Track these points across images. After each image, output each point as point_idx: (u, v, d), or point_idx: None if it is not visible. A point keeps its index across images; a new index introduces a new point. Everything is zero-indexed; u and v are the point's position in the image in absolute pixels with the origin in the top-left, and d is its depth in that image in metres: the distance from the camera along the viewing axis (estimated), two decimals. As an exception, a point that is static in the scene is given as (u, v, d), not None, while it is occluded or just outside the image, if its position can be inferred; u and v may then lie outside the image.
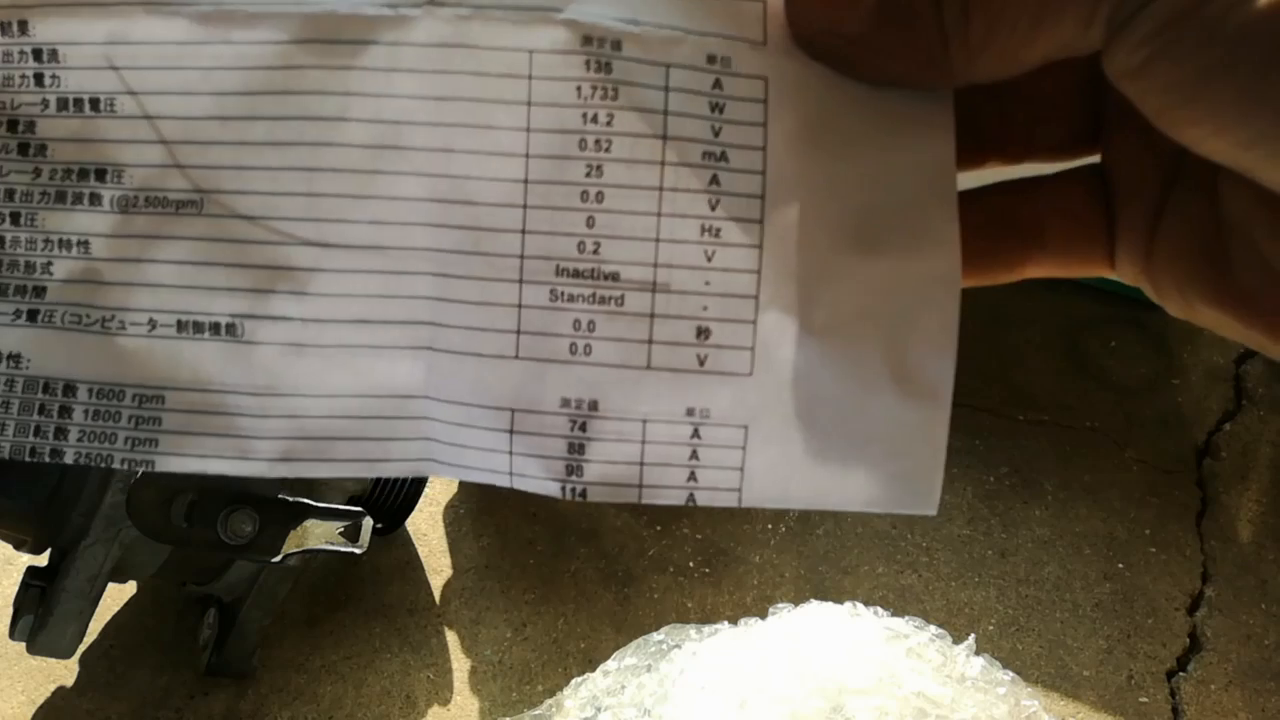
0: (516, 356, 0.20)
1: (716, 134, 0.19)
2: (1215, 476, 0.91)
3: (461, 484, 0.90)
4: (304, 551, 0.68)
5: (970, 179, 0.21)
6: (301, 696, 0.77)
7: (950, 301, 0.19)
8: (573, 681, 0.71)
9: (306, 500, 0.69)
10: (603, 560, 0.85)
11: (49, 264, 0.20)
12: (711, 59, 0.19)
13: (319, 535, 0.69)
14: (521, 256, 0.20)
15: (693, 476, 0.20)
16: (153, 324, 0.20)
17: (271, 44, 0.19)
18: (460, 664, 0.79)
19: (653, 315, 0.20)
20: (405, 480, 0.80)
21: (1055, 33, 0.16)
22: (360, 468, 0.21)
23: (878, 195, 0.19)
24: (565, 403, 0.20)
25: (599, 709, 0.66)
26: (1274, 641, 0.81)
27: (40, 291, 0.20)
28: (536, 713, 0.70)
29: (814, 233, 0.20)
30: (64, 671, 0.77)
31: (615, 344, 0.20)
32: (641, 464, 0.20)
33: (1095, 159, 0.21)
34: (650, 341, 0.20)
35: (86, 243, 0.20)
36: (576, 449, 0.20)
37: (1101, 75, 0.17)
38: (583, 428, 0.20)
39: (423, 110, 0.19)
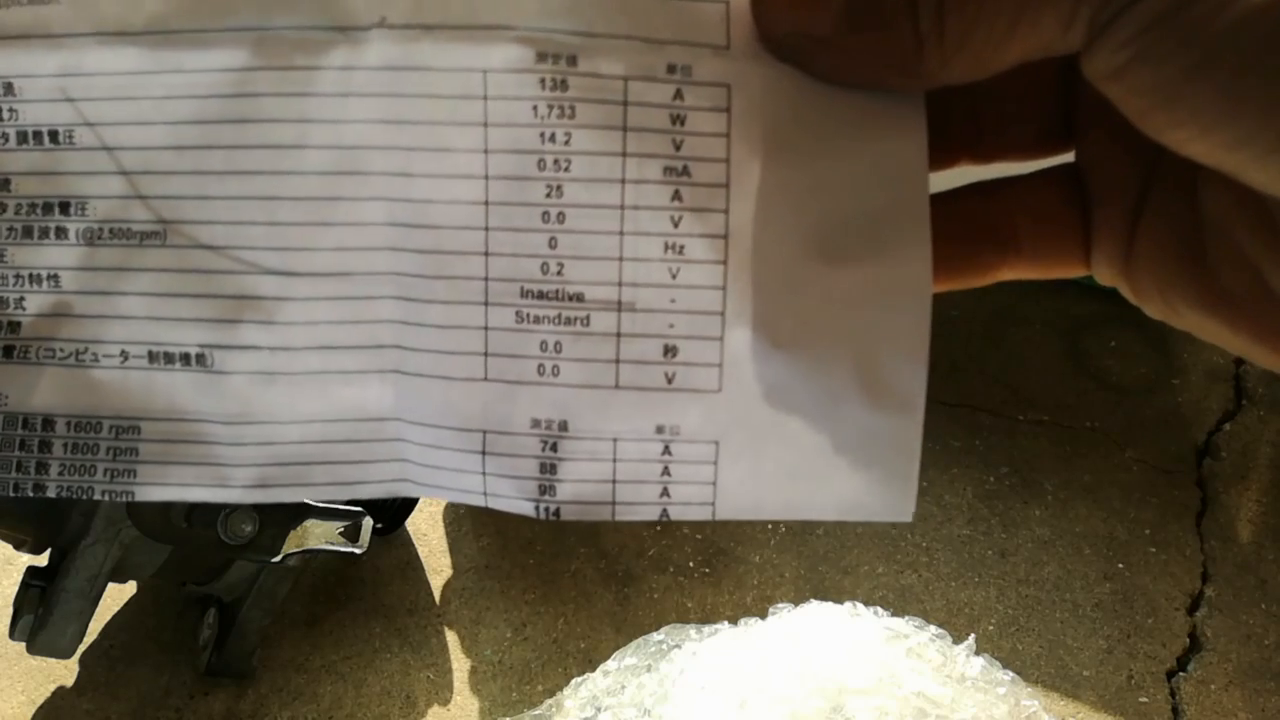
0: (485, 379, 0.20)
1: (678, 147, 0.19)
2: (1215, 476, 0.91)
3: (461, 484, 0.90)
4: (304, 551, 0.68)
5: (941, 180, 0.20)
6: (301, 696, 0.77)
7: (921, 310, 0.19)
8: (573, 681, 0.71)
9: (306, 500, 0.69)
10: (603, 560, 0.85)
11: (21, 299, 0.20)
12: (671, 68, 0.19)
13: (319, 535, 0.69)
14: (486, 279, 0.20)
15: (665, 492, 0.20)
16: (125, 355, 0.20)
17: (224, 71, 0.19)
18: (460, 664, 0.79)
19: (619, 335, 0.20)
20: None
21: (1033, 35, 0.16)
22: (337, 490, 0.21)
23: (847, 202, 0.19)
24: (536, 423, 0.20)
25: (599, 709, 0.66)
26: (1274, 641, 0.81)
27: (14, 327, 0.20)
28: (536, 713, 0.70)
29: (780, 245, 0.19)
30: (64, 671, 0.77)
31: (583, 364, 0.20)
32: (614, 482, 0.20)
33: (1068, 158, 0.20)
34: (618, 361, 0.20)
35: (56, 276, 0.20)
36: (548, 469, 0.20)
37: (1073, 72, 0.16)
38: (554, 448, 0.20)
39: (379, 134, 0.19)
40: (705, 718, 0.62)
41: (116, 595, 0.81)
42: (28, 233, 0.20)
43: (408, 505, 0.82)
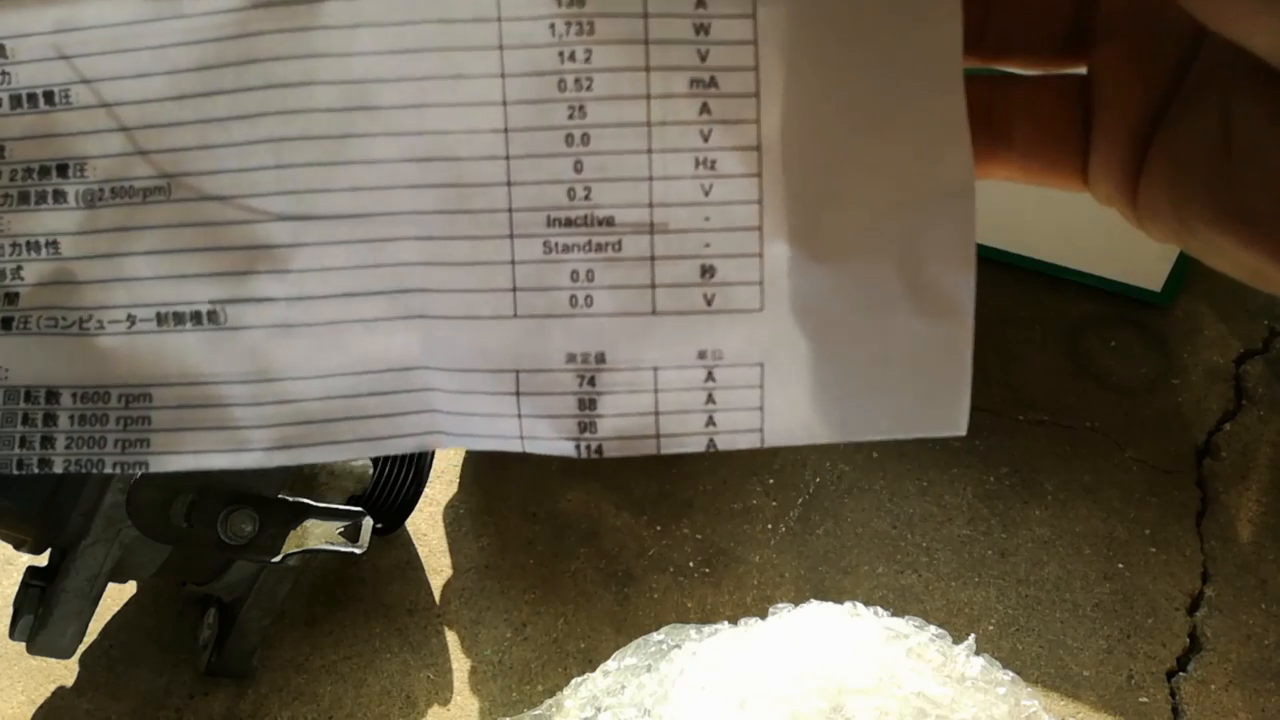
0: (515, 315, 0.19)
1: (704, 58, 0.18)
2: (1215, 476, 0.91)
3: (461, 484, 0.90)
4: (304, 551, 0.68)
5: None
6: (301, 696, 0.77)
7: (965, 209, 0.18)
8: (573, 681, 0.71)
9: (306, 500, 0.69)
10: (603, 560, 0.85)
11: (19, 269, 0.19)
12: None
13: (319, 535, 0.69)
14: (510, 210, 0.19)
15: (711, 421, 0.19)
16: (132, 320, 0.19)
17: (225, 13, 0.18)
18: (460, 664, 0.79)
19: (653, 258, 0.19)
20: (405, 480, 0.80)
21: None
22: (364, 448, 0.20)
23: (881, 100, 0.18)
24: (571, 358, 0.19)
25: (599, 709, 0.66)
26: (1274, 641, 0.81)
27: (12, 298, 0.20)
28: (536, 713, 0.70)
29: (816, 152, 0.19)
30: (64, 671, 0.77)
31: (617, 292, 0.19)
32: (657, 413, 0.19)
33: (1078, 70, 0.20)
34: (653, 286, 0.19)
35: (55, 243, 0.19)
36: (587, 404, 0.19)
37: None
38: (591, 382, 0.19)
39: (390, 66, 0.18)
40: (705, 718, 0.62)
41: (116, 595, 0.81)
42: (24, 199, 0.19)
43: (408, 505, 0.82)
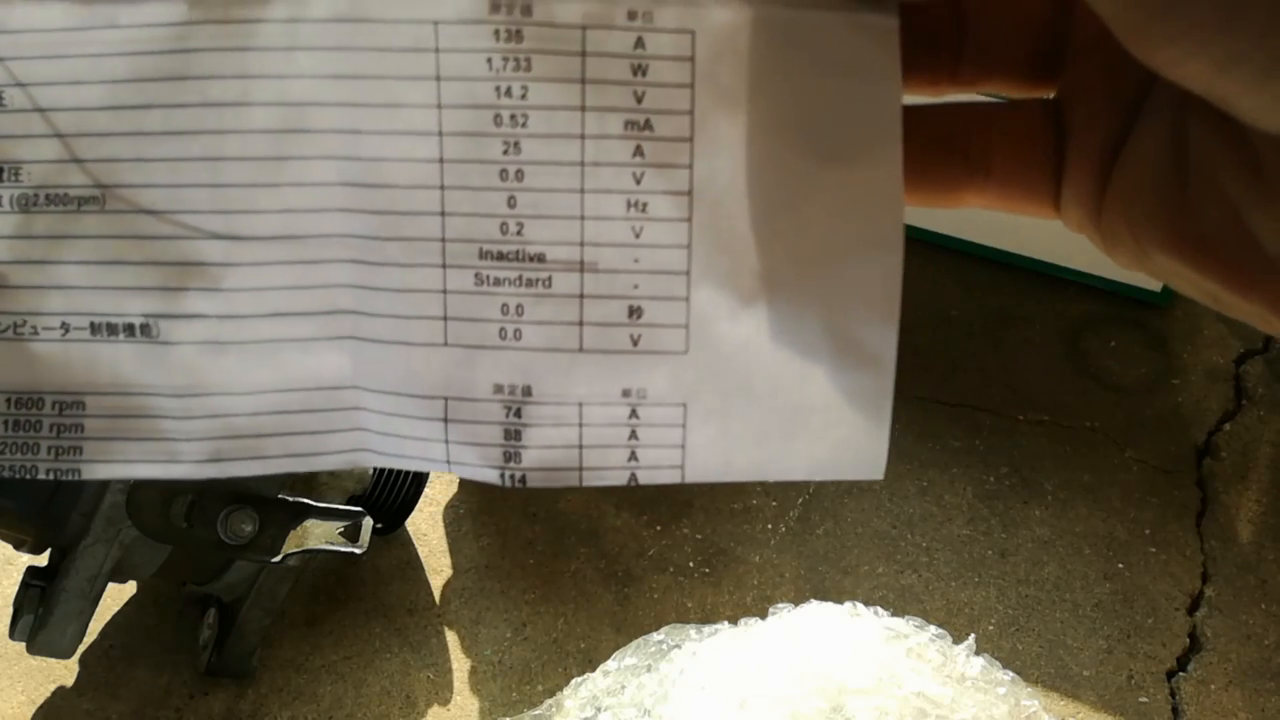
0: (445, 344, 0.19)
1: (639, 100, 0.18)
2: (1215, 476, 0.91)
3: (461, 484, 0.90)
4: (304, 551, 0.68)
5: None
6: (301, 696, 0.77)
7: (891, 264, 0.19)
8: (573, 681, 0.71)
9: (306, 500, 0.69)
10: (603, 560, 0.85)
11: None
12: (632, 15, 0.18)
13: (319, 535, 0.69)
14: (443, 240, 0.19)
15: (634, 456, 0.20)
16: (65, 327, 0.19)
17: (161, 26, 0.18)
18: (460, 664, 0.79)
19: (582, 296, 0.19)
20: (405, 480, 0.80)
21: None
22: (292, 463, 0.20)
23: (815, 150, 0.18)
24: (498, 389, 0.19)
25: (599, 709, 0.66)
26: (1274, 641, 0.81)
27: None
28: (536, 713, 0.70)
29: (747, 199, 0.19)
30: (64, 671, 0.77)
31: (545, 327, 0.19)
32: (580, 447, 0.20)
33: (1050, 94, 0.20)
34: (581, 323, 0.19)
35: None
36: (513, 435, 0.20)
37: (1065, 8, 0.16)
38: (518, 414, 0.20)
39: (327, 90, 0.18)
40: (705, 718, 0.62)
41: (116, 595, 0.81)
42: None
43: (408, 505, 0.82)
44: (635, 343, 0.19)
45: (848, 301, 0.19)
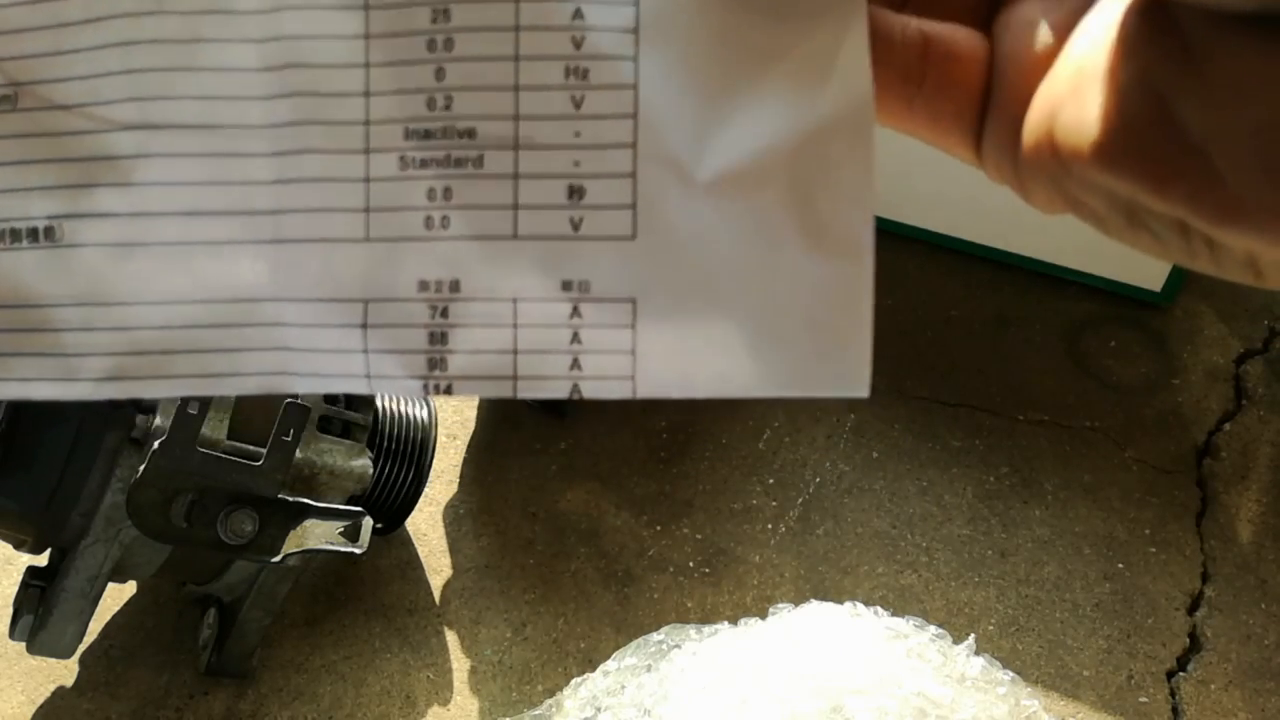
0: (366, 239, 0.18)
1: None
2: (1215, 476, 0.91)
3: (461, 484, 0.90)
4: (304, 551, 0.68)
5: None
6: (301, 696, 0.77)
7: (863, 135, 0.17)
8: (573, 681, 0.71)
9: (306, 500, 0.69)
10: (603, 560, 0.85)
11: None
12: None
13: (319, 535, 0.69)
14: (367, 123, 0.17)
15: (576, 364, 0.17)
16: None
17: None
18: (460, 664, 0.79)
19: (516, 176, 0.17)
20: (405, 480, 0.80)
21: None
22: (203, 384, 0.18)
23: (774, 11, 0.17)
24: (423, 286, 0.18)
25: (599, 709, 0.66)
26: (1274, 641, 0.81)
27: None
28: (536, 713, 0.70)
29: (701, 64, 0.17)
30: (64, 671, 0.77)
31: (475, 212, 0.17)
32: (515, 352, 0.17)
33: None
34: (515, 207, 0.17)
35: None
36: (439, 339, 0.18)
37: None
38: (444, 313, 0.18)
39: None
40: (705, 718, 0.62)
41: (116, 595, 0.81)
42: None
43: (408, 505, 0.82)
44: (576, 227, 0.17)
45: (816, 179, 0.17)
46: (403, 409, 0.81)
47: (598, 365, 0.17)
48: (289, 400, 0.68)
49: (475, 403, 0.95)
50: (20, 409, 0.64)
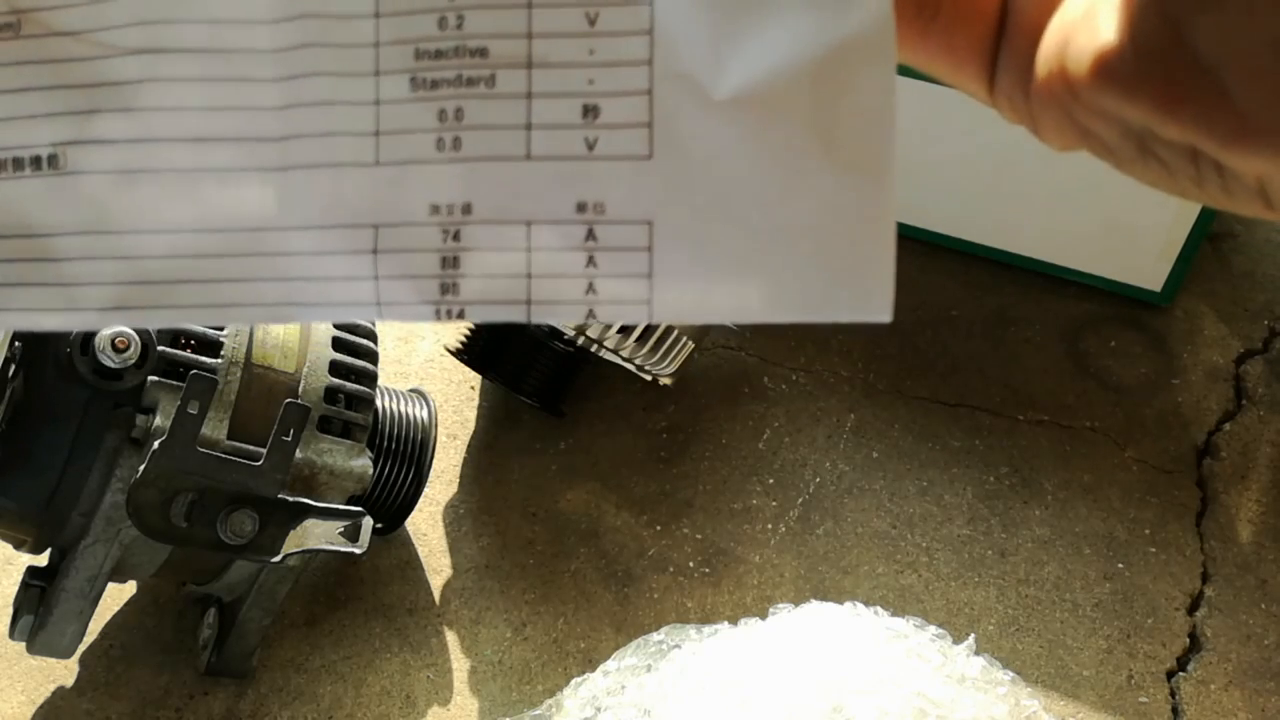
0: (376, 163, 0.17)
1: None
2: (1215, 476, 0.91)
3: (462, 483, 0.90)
4: (304, 551, 0.68)
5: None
6: (301, 696, 0.77)
7: (885, 53, 0.16)
8: (573, 681, 0.71)
9: (306, 500, 0.69)
10: (603, 560, 0.85)
11: None
12: None
13: (319, 535, 0.69)
14: (376, 45, 0.17)
15: (591, 288, 0.17)
16: None
17: None
18: (460, 664, 0.79)
19: (529, 95, 0.17)
20: (405, 480, 0.80)
21: None
22: (208, 314, 0.18)
23: None
24: (435, 209, 0.17)
25: (599, 709, 0.66)
26: (1274, 641, 0.81)
27: None
28: (536, 713, 0.70)
29: None
30: (64, 671, 0.77)
31: (488, 133, 0.17)
32: (529, 276, 0.17)
33: None
34: (528, 127, 0.17)
35: None
36: (450, 263, 0.17)
37: None
38: (456, 237, 0.17)
39: None
40: (705, 718, 0.62)
41: (116, 595, 0.81)
42: None
43: (408, 505, 0.82)
44: (591, 147, 0.17)
45: (836, 98, 0.16)
46: (403, 409, 0.81)
47: (614, 290, 0.17)
48: (289, 400, 0.68)
49: (475, 403, 0.95)
50: (20, 409, 0.64)
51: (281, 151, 0.18)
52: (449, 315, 0.17)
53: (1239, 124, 0.15)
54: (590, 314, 0.17)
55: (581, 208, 0.17)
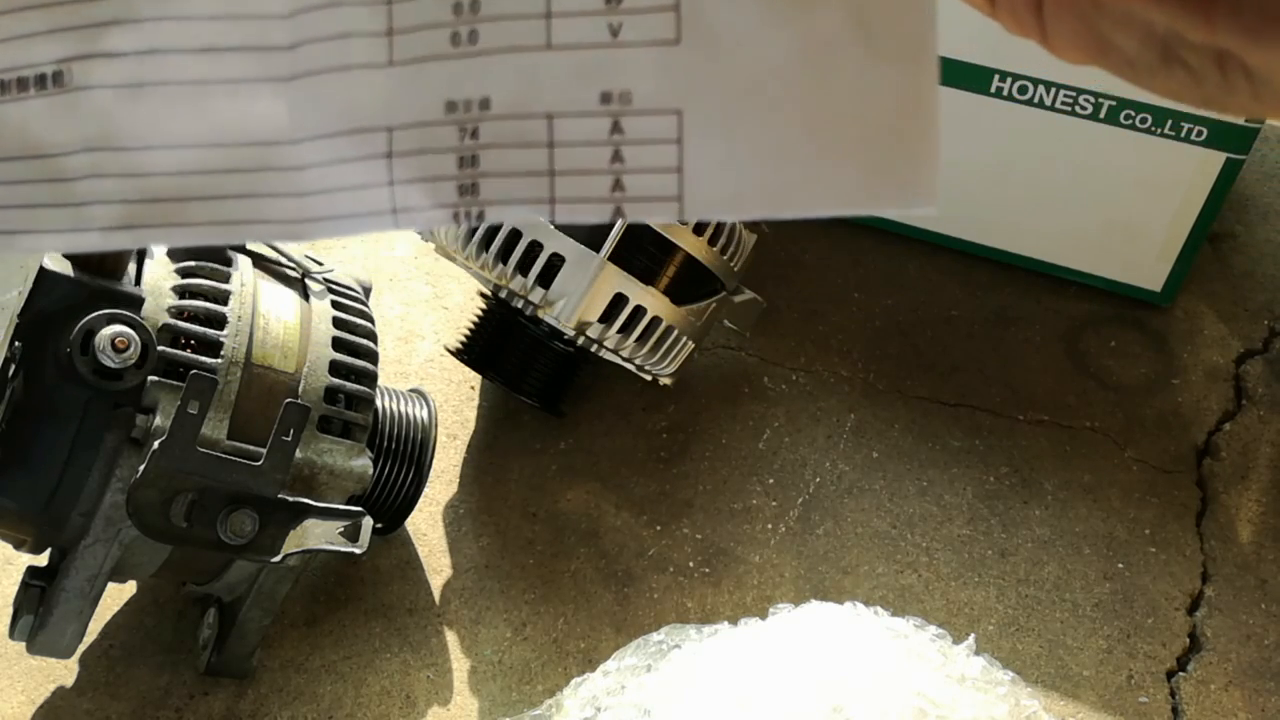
0: (389, 63, 0.16)
1: None
2: (1215, 476, 0.91)
3: (461, 483, 0.90)
4: (304, 551, 0.68)
5: None
6: (301, 696, 0.77)
7: None
8: (573, 681, 0.71)
9: (306, 500, 0.69)
10: (603, 560, 0.85)
11: None
12: None
13: (319, 535, 0.69)
14: None
15: (618, 185, 0.16)
16: None
17: None
18: (460, 664, 0.79)
19: None
20: (405, 480, 0.80)
21: None
22: (219, 233, 0.17)
23: None
24: (451, 106, 0.16)
25: (599, 709, 0.66)
26: (1274, 641, 0.81)
27: None
28: (536, 713, 0.70)
29: None
30: (64, 671, 0.77)
31: (505, 24, 0.16)
32: (552, 173, 0.16)
33: None
34: (548, 15, 0.16)
35: None
36: (469, 162, 0.16)
37: None
38: (474, 134, 0.16)
39: None
40: (705, 718, 0.62)
41: (116, 595, 0.81)
42: None
43: (408, 505, 0.82)
44: (615, 33, 0.16)
45: None
46: (403, 409, 0.81)
47: (642, 185, 0.16)
48: (289, 400, 0.68)
49: (475, 403, 0.95)
50: (20, 409, 0.64)
51: (291, 60, 0.17)
52: (468, 218, 0.17)
53: (1273, 13, 0.14)
54: (618, 212, 0.16)
55: (606, 98, 0.16)
